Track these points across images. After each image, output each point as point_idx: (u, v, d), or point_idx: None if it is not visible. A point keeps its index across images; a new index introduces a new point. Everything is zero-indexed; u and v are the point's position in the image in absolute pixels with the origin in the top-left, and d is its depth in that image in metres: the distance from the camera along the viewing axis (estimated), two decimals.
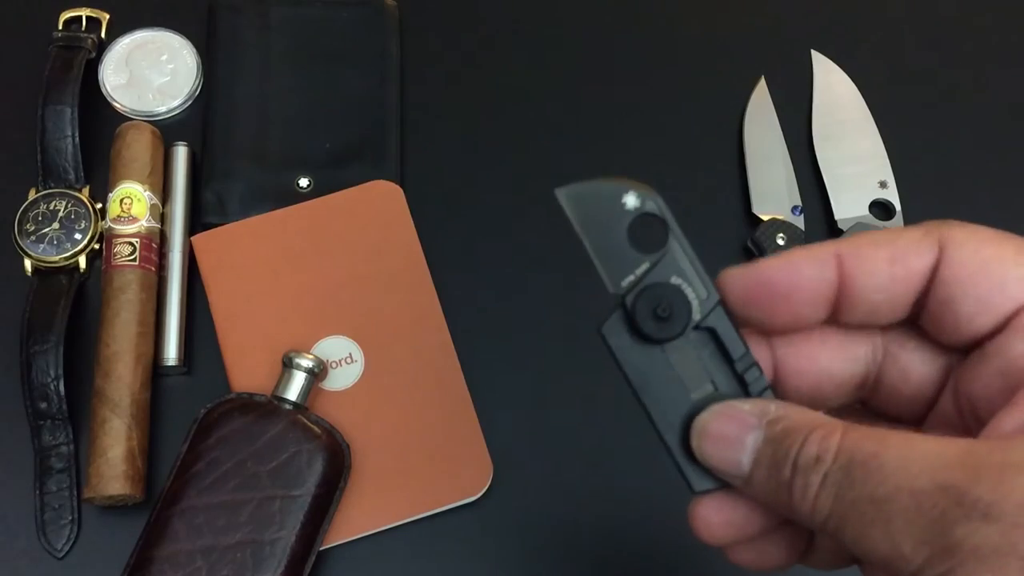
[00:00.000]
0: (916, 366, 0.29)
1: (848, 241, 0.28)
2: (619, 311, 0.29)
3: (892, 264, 0.27)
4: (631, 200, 0.28)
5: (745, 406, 0.28)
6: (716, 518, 0.29)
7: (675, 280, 0.28)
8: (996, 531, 0.22)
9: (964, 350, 0.28)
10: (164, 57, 0.59)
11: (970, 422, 0.28)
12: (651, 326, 0.28)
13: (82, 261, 0.53)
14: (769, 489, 0.27)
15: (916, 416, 0.30)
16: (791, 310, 0.28)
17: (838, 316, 0.29)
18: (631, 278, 0.28)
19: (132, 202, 0.53)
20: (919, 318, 0.28)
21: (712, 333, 0.29)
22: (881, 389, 0.30)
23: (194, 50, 0.59)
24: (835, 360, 0.30)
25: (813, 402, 0.30)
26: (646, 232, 0.28)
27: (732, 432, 0.27)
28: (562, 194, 0.28)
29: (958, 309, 0.27)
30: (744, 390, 0.28)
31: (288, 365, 0.49)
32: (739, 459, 0.27)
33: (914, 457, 0.24)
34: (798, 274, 0.28)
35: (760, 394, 0.28)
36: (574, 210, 0.28)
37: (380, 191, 0.55)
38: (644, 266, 0.28)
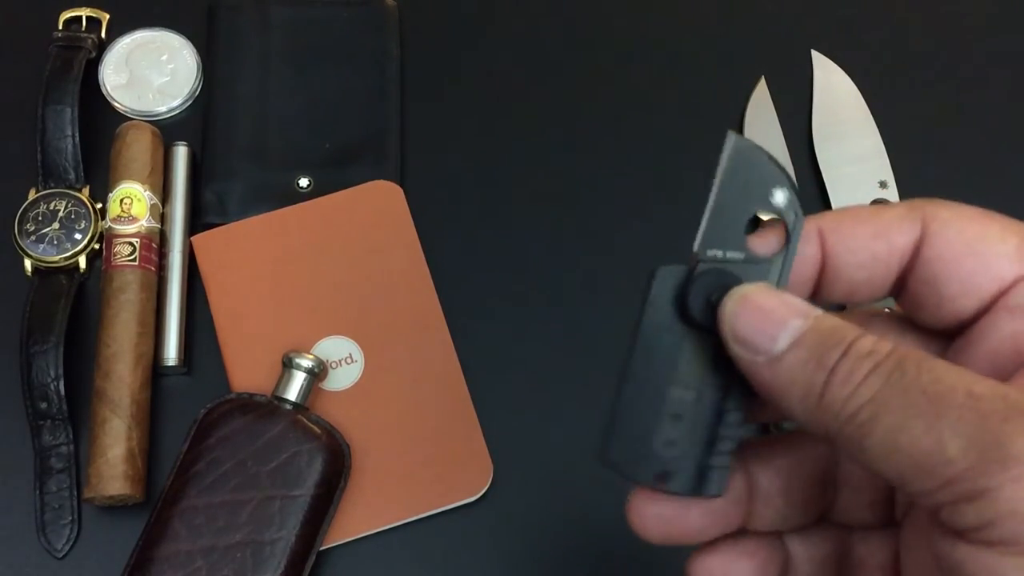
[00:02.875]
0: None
1: (830, 215, 0.27)
2: (683, 270, 0.27)
3: (875, 240, 0.26)
4: (780, 197, 0.27)
5: (794, 297, 0.26)
6: (649, 509, 0.27)
7: None
8: None
9: (947, 335, 0.27)
10: (164, 57, 0.59)
11: None
12: (696, 303, 0.27)
13: (82, 261, 0.53)
14: (803, 372, 0.24)
15: None
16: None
17: (817, 293, 0.28)
18: (719, 254, 0.27)
19: (132, 202, 0.53)
20: (900, 299, 0.28)
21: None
22: None
23: (194, 50, 0.59)
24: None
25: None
26: (763, 228, 0.27)
27: (777, 310, 0.25)
28: (733, 140, 0.27)
29: (941, 289, 0.26)
30: (717, 420, 0.27)
31: (288, 365, 0.49)
32: (776, 334, 0.25)
33: (967, 373, 0.23)
34: None
35: (729, 441, 0.27)
36: (731, 161, 0.27)
37: (380, 191, 0.55)
38: (738, 255, 0.27)
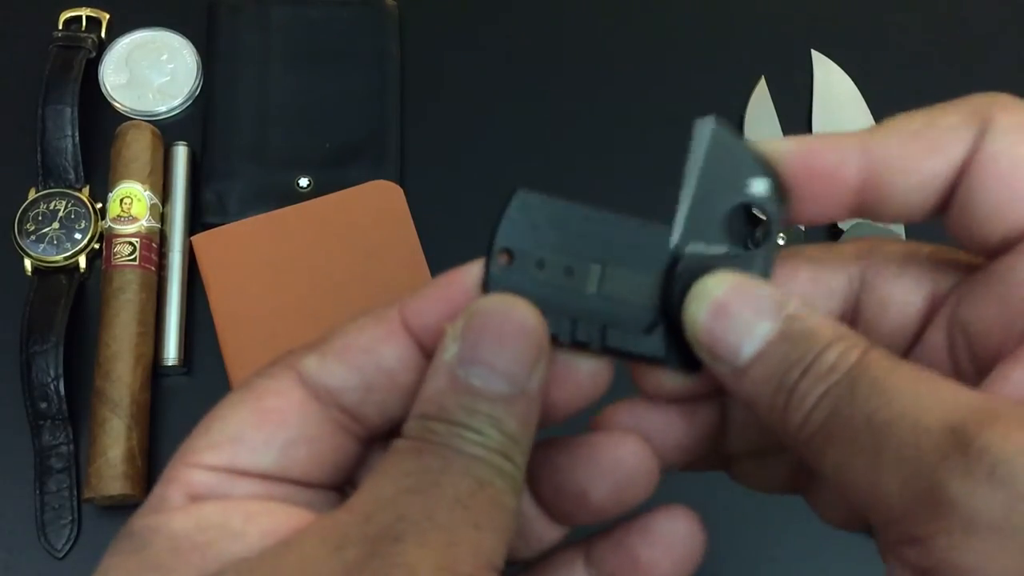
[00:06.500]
0: (896, 294, 0.26)
1: (876, 135, 0.25)
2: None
3: (930, 156, 0.24)
4: (759, 187, 0.25)
5: (764, 289, 0.24)
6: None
7: None
8: (999, 500, 0.19)
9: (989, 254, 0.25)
10: (164, 57, 0.59)
11: (961, 355, 0.24)
12: (676, 295, 0.25)
13: (82, 261, 0.53)
14: (764, 389, 0.23)
15: (899, 354, 0.26)
16: (809, 197, 0.25)
17: (864, 212, 0.25)
18: (701, 247, 0.25)
19: (132, 202, 0.53)
20: (945, 212, 0.25)
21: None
22: (858, 327, 0.26)
23: (194, 50, 0.59)
24: (810, 296, 0.26)
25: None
26: (742, 221, 0.25)
27: (744, 313, 0.23)
28: (705, 125, 0.25)
29: (987, 206, 0.23)
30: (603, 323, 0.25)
31: None
32: (740, 345, 0.23)
33: (928, 391, 0.21)
34: (816, 160, 0.25)
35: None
36: (702, 148, 0.25)
37: (380, 191, 0.55)
38: (721, 248, 0.25)
